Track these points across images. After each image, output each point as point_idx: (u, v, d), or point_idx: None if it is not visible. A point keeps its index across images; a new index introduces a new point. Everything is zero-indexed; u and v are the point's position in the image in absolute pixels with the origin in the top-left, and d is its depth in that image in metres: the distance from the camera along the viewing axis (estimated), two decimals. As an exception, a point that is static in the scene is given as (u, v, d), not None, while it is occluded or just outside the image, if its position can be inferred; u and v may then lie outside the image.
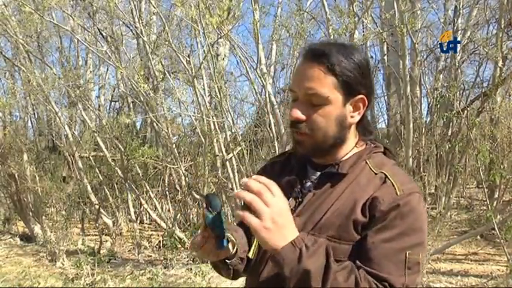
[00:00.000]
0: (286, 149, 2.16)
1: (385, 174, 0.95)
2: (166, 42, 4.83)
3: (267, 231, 0.82)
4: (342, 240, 0.91)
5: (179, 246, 4.89)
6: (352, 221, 0.91)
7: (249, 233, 1.05)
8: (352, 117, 0.98)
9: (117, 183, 6.03)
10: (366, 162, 0.98)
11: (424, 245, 0.92)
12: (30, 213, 5.72)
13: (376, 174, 0.96)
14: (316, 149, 0.98)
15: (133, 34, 6.40)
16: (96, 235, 5.64)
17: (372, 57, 7.71)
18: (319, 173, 1.01)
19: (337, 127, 0.96)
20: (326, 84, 0.93)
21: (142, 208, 5.90)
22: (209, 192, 0.92)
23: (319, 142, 0.96)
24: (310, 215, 0.96)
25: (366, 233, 0.90)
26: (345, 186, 0.96)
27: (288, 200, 0.98)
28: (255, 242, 1.03)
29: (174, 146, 5.15)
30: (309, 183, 1.01)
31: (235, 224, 1.17)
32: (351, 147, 1.01)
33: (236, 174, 4.64)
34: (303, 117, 0.95)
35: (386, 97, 7.07)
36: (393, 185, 0.92)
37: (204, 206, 0.91)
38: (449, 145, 5.94)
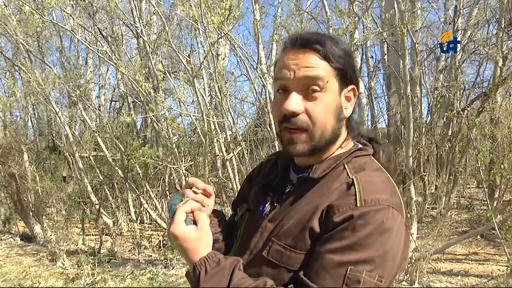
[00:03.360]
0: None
1: (353, 181, 0.85)
2: (167, 42, 4.83)
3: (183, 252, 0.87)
4: (298, 249, 0.85)
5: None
6: (308, 229, 0.84)
7: (230, 234, 1.05)
8: (346, 108, 0.90)
9: (117, 183, 6.04)
10: (344, 167, 0.90)
11: (376, 263, 0.79)
12: (31, 213, 5.73)
13: (348, 179, 0.87)
14: (313, 147, 0.88)
15: (134, 34, 6.40)
16: (96, 235, 5.64)
17: (372, 57, 7.72)
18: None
19: (335, 120, 0.88)
20: (324, 69, 0.86)
21: (142, 208, 5.90)
22: (172, 198, 0.91)
23: (316, 138, 0.87)
24: (279, 222, 0.90)
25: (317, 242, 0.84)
26: (316, 193, 0.89)
27: (265, 205, 0.97)
28: (236, 243, 1.02)
29: (174, 146, 5.15)
30: (287, 188, 0.97)
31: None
32: (337, 146, 0.93)
33: (236, 174, 4.64)
34: (300, 108, 0.85)
35: (386, 97, 7.08)
36: (355, 194, 0.82)
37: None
38: (450, 145, 5.95)
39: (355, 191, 0.83)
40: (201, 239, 0.87)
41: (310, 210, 0.86)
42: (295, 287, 0.82)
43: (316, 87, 0.85)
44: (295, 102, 0.85)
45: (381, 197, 0.83)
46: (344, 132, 0.94)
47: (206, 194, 0.94)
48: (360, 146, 0.95)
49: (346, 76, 0.88)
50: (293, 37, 0.90)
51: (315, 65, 0.85)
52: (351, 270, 0.78)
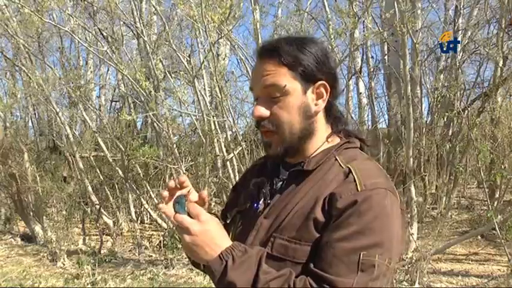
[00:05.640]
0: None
1: (349, 169, 0.89)
2: (167, 42, 4.83)
3: (197, 248, 0.84)
4: (303, 241, 0.86)
5: (180, 246, 4.89)
6: (312, 220, 0.86)
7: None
8: (316, 105, 0.93)
9: (117, 183, 6.04)
10: (336, 159, 0.93)
11: (386, 246, 0.82)
12: (31, 213, 5.73)
13: (343, 169, 0.90)
14: (286, 147, 0.93)
15: (134, 34, 6.40)
16: (96, 235, 5.64)
17: (372, 57, 7.70)
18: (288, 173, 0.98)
19: (301, 117, 0.92)
20: (281, 75, 0.90)
21: (143, 208, 5.90)
22: (178, 197, 0.91)
23: (286, 137, 0.92)
24: (276, 217, 0.92)
25: (323, 231, 0.86)
26: (311, 185, 0.91)
27: (259, 202, 0.98)
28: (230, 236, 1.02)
29: (174, 146, 5.15)
30: (279, 184, 0.98)
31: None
32: (321, 140, 0.96)
33: (237, 174, 4.64)
34: (266, 113, 0.92)
35: (386, 97, 7.07)
36: (355, 180, 0.86)
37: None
38: (450, 145, 5.95)
39: (354, 178, 0.86)
40: (222, 229, 0.88)
41: (311, 201, 0.88)
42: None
43: (276, 93, 0.91)
44: (259, 109, 0.92)
45: (378, 180, 0.87)
46: (324, 128, 0.97)
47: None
48: (347, 140, 0.98)
49: (309, 74, 0.91)
50: (258, 47, 0.98)
51: (270, 72, 0.91)
52: (363, 256, 0.80)
